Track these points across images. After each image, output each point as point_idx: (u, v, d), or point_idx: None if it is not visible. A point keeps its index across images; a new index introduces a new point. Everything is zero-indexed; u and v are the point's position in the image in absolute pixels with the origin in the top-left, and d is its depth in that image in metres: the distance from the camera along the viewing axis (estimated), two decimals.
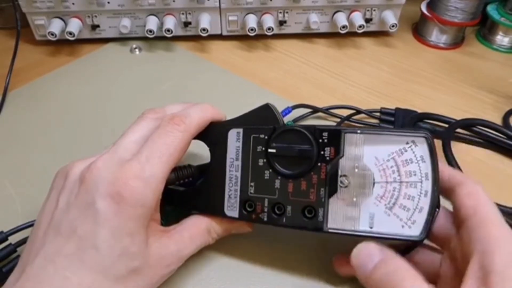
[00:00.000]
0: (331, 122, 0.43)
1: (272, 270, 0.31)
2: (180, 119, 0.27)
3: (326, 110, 0.43)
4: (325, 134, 0.26)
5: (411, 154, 0.25)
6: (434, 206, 0.25)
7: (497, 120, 0.44)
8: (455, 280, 0.24)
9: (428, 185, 0.25)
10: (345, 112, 0.43)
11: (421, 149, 0.25)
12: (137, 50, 0.53)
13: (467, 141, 0.41)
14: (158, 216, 0.27)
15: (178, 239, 0.27)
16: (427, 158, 0.25)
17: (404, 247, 0.27)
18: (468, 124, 0.41)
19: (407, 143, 0.25)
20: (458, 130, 0.41)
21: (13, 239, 0.30)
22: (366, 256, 0.24)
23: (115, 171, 0.25)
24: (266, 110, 0.29)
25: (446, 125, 0.41)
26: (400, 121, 0.41)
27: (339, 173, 0.26)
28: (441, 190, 0.26)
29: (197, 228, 0.28)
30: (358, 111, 0.43)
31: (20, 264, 0.25)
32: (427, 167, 0.25)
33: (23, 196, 0.36)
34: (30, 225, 0.30)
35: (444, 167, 0.26)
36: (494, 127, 0.40)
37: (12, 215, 0.34)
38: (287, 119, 0.42)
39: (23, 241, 0.30)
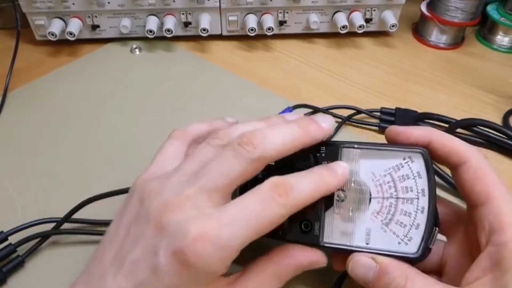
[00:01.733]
0: None
1: None
2: (286, 191, 0.23)
3: (326, 110, 0.43)
4: (323, 148, 0.26)
5: (408, 169, 0.25)
6: (431, 223, 0.24)
7: (497, 120, 0.44)
8: (463, 266, 0.24)
9: (424, 202, 0.24)
10: (345, 112, 0.43)
11: (417, 164, 0.25)
12: (137, 50, 0.53)
13: (467, 141, 0.41)
14: (222, 278, 0.24)
15: None
16: (424, 174, 0.24)
17: None
18: (468, 124, 0.41)
19: (404, 158, 0.25)
20: (458, 130, 0.41)
21: (13, 239, 0.30)
22: (363, 269, 0.24)
23: (190, 223, 0.21)
24: None
25: (446, 125, 0.41)
26: (400, 121, 0.41)
27: None
28: (440, 161, 0.26)
29: (262, 277, 0.25)
30: (358, 111, 0.43)
31: (86, 273, 0.24)
32: (423, 183, 0.24)
33: (23, 196, 0.35)
34: (30, 225, 0.31)
35: (444, 138, 0.26)
36: (494, 127, 0.40)
37: (12, 215, 0.34)
38: None
39: (23, 241, 0.30)
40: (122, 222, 0.25)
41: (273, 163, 0.27)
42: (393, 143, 0.26)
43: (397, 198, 0.25)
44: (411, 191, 0.24)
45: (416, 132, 0.26)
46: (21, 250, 0.30)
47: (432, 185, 0.24)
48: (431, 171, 0.24)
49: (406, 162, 0.25)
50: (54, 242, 0.32)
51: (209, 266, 0.21)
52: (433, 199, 0.24)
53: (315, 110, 0.43)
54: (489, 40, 0.57)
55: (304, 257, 0.25)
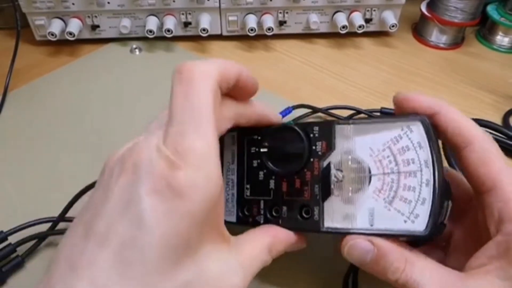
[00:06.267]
0: None
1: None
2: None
3: (326, 111, 0.43)
4: (316, 128, 0.25)
5: (407, 140, 0.23)
6: (438, 196, 0.22)
7: (497, 120, 0.44)
8: (468, 250, 0.23)
9: (428, 173, 0.22)
10: (345, 112, 0.43)
11: (417, 134, 0.23)
12: (137, 50, 0.53)
13: None
14: (221, 210, 0.22)
15: (238, 254, 0.22)
16: (425, 144, 0.22)
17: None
18: None
19: (402, 129, 0.23)
20: None
21: (13, 239, 0.30)
22: (360, 253, 0.23)
23: (160, 149, 0.19)
24: None
25: None
26: None
27: (333, 167, 0.24)
28: (444, 139, 0.24)
29: (259, 245, 0.24)
30: (358, 111, 0.43)
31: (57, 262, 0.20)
32: (426, 154, 0.22)
33: (23, 196, 0.36)
34: (30, 225, 0.31)
35: (451, 113, 0.24)
36: (494, 127, 0.40)
37: (12, 215, 0.34)
38: (287, 118, 0.42)
39: (23, 241, 0.30)
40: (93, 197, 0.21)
41: (265, 149, 0.27)
42: (400, 109, 0.25)
43: (399, 172, 0.23)
44: (413, 163, 0.22)
45: (424, 100, 0.24)
46: (21, 250, 0.30)
47: (435, 155, 0.22)
48: (433, 140, 0.22)
49: (405, 133, 0.23)
50: (53, 241, 0.32)
51: (204, 186, 0.19)
52: (438, 170, 0.22)
53: (315, 111, 0.43)
54: (489, 40, 0.57)
55: (290, 236, 0.25)
